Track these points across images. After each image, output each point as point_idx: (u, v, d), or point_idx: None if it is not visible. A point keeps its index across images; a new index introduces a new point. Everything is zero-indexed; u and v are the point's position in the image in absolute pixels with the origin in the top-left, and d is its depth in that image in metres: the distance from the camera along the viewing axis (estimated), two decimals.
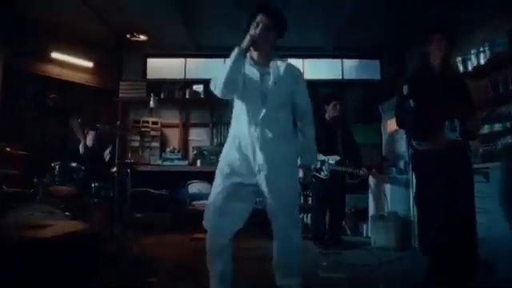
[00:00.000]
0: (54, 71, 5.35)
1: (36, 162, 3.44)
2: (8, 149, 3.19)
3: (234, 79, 1.89)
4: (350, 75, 6.35)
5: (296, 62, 6.07)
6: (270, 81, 1.96)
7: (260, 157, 1.89)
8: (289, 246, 1.96)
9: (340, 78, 6.32)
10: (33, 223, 1.57)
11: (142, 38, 5.66)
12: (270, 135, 1.91)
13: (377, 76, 6.36)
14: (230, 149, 1.99)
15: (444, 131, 2.32)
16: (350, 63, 6.40)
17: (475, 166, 3.10)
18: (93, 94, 5.76)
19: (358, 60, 6.42)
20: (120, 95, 5.82)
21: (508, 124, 3.29)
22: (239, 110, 2.01)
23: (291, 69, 2.08)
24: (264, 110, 1.93)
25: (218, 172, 1.99)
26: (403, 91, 2.49)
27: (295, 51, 6.17)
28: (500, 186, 2.86)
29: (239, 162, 1.92)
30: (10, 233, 1.43)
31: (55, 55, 5.29)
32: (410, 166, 3.67)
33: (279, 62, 2.04)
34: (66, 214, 2.75)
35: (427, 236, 2.58)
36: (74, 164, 3.22)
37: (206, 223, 1.95)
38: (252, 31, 1.93)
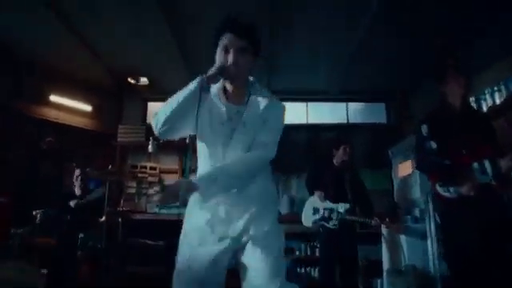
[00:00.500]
0: (51, 114, 5.21)
1: (16, 210, 3.14)
2: None
3: (180, 116, 1.50)
4: (355, 119, 6.20)
5: (299, 106, 6.12)
6: (240, 123, 1.54)
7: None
8: None
9: (345, 121, 6.17)
10: None
11: (143, 81, 5.59)
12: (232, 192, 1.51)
13: (382, 119, 6.21)
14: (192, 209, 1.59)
15: (474, 174, 2.05)
16: (354, 106, 6.28)
17: None
18: (91, 137, 5.59)
19: (362, 103, 6.31)
20: (118, 139, 5.62)
21: None
22: (201, 158, 1.64)
23: (264, 102, 1.56)
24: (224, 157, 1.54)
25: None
26: (422, 132, 2.25)
27: (298, 95, 6.10)
28: None
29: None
30: None
31: (53, 98, 5.18)
32: (428, 213, 3.36)
33: (259, 98, 1.57)
34: (43, 271, 2.40)
35: None
36: (57, 212, 2.92)
37: None
38: (220, 58, 1.50)
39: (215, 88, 1.57)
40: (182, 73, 5.29)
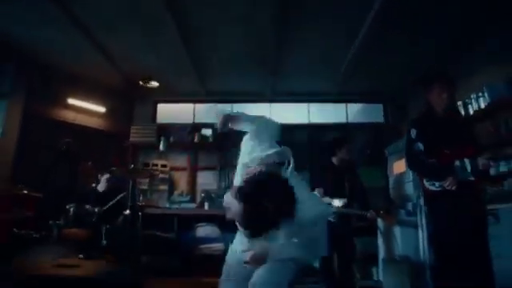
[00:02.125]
0: (69, 116, 5.56)
1: (50, 205, 3.49)
2: (25, 191, 3.25)
3: None
4: (354, 119, 6.54)
5: (301, 107, 6.47)
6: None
7: None
8: None
9: (345, 121, 6.50)
10: (61, 263, 1.60)
11: (154, 84, 5.92)
12: None
13: (380, 119, 6.55)
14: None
15: (455, 171, 2.39)
16: (354, 107, 6.61)
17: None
18: (105, 137, 5.91)
19: (361, 104, 6.63)
20: (131, 139, 5.97)
21: None
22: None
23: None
24: None
25: None
26: (411, 135, 2.60)
27: (301, 96, 6.43)
28: None
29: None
30: (39, 271, 1.46)
31: (71, 101, 5.51)
32: (419, 207, 3.69)
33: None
34: (80, 256, 2.75)
35: (441, 279, 2.56)
36: (88, 206, 3.27)
37: None
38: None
39: None
40: (189, 77, 5.64)
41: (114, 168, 4.04)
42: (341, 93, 6.29)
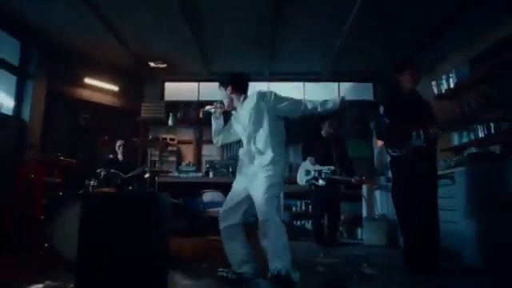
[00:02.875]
0: (86, 94, 6.14)
1: (84, 169, 4.15)
2: (61, 158, 3.90)
3: (218, 133, 2.89)
4: (345, 96, 7.06)
5: (298, 85, 7.02)
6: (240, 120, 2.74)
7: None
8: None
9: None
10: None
11: (162, 65, 6.46)
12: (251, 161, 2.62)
13: (370, 97, 7.10)
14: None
15: (412, 139, 2.99)
16: (345, 86, 7.16)
17: (445, 171, 3.79)
18: (118, 114, 6.51)
19: (352, 83, 7.17)
20: (142, 115, 6.57)
21: (473, 137, 3.97)
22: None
23: (250, 99, 2.72)
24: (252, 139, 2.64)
25: None
26: (380, 111, 3.19)
27: (297, 76, 6.98)
28: (464, 187, 3.52)
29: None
30: None
31: (87, 81, 6.09)
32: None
33: (246, 101, 2.76)
34: None
35: (403, 230, 3.21)
36: (114, 170, 3.92)
37: None
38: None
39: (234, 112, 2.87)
40: (194, 58, 6.17)
41: (135, 139, 4.66)
42: (333, 72, 6.82)
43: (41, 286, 2.49)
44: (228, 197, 2.76)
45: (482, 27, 4.04)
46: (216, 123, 2.88)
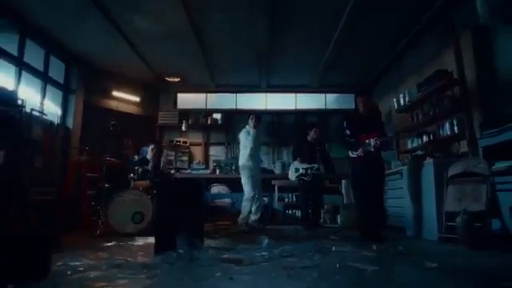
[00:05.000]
0: (113, 104, 7.37)
1: (121, 167, 5.40)
2: (108, 158, 5.14)
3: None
4: (331, 106, 8.33)
5: (290, 96, 8.26)
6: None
7: None
8: None
9: (324, 107, 8.31)
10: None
11: (176, 79, 7.69)
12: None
13: (352, 106, 8.22)
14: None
15: (365, 146, 4.22)
16: (331, 96, 8.39)
17: (398, 169, 5.03)
18: (139, 120, 7.74)
19: (337, 94, 8.40)
20: (159, 121, 7.82)
21: (419, 142, 5.22)
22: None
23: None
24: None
25: None
26: (343, 124, 4.42)
27: (290, 88, 8.21)
28: (407, 180, 4.76)
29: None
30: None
31: (115, 93, 7.32)
32: None
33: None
34: (148, 196, 4.67)
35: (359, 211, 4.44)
36: (147, 167, 5.17)
37: None
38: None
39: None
40: (203, 74, 7.38)
41: (164, 143, 5.92)
42: (321, 85, 8.05)
43: (108, 244, 3.74)
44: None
45: (427, 58, 5.29)
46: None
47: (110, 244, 3.72)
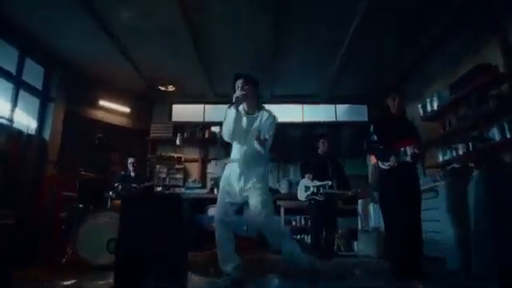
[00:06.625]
0: (100, 115, 6.60)
1: (102, 184, 4.55)
2: (83, 172, 4.30)
3: (231, 127, 2.88)
4: (342, 118, 7.55)
5: (296, 108, 7.48)
6: (256, 125, 2.94)
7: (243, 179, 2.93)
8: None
9: (334, 120, 7.53)
10: None
11: (171, 88, 6.95)
12: (249, 163, 2.92)
13: (365, 118, 7.55)
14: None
15: (399, 155, 3.39)
16: (342, 108, 7.63)
17: (430, 185, 4.18)
18: (128, 133, 6.95)
19: (348, 105, 7.64)
20: (151, 135, 7.01)
21: (454, 154, 4.38)
22: (234, 144, 3.08)
23: (266, 114, 3.01)
24: (245, 147, 2.94)
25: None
26: (370, 129, 3.61)
27: (296, 98, 7.45)
28: (446, 199, 3.90)
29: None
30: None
31: (102, 103, 6.56)
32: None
33: (265, 113, 3.02)
34: None
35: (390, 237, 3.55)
36: (133, 185, 4.32)
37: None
38: (237, 92, 2.96)
39: (241, 109, 3.03)
40: (201, 83, 6.66)
41: (151, 155, 5.08)
42: (330, 95, 7.29)
43: (69, 282, 2.84)
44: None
45: (461, 53, 4.54)
46: (231, 114, 2.88)
47: (68, 283, 2.82)
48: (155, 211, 2.43)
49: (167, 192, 4.32)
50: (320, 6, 4.47)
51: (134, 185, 4.30)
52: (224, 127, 2.96)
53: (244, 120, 3.02)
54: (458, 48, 4.59)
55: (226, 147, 7.19)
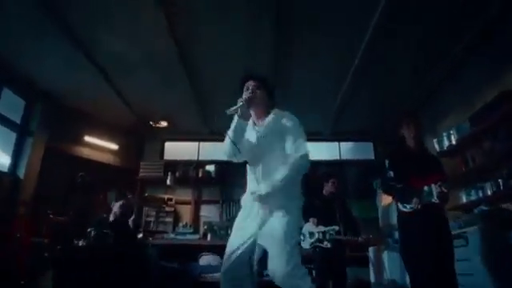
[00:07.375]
0: (85, 152, 6.09)
1: (73, 228, 3.93)
2: (51, 216, 3.71)
3: (236, 142, 2.15)
4: (346, 156, 7.05)
5: None
6: (260, 136, 2.19)
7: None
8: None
9: (338, 158, 7.01)
10: None
11: (163, 124, 6.51)
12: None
13: (371, 156, 7.04)
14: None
15: (422, 195, 2.84)
16: (346, 145, 7.14)
17: (457, 231, 3.57)
18: (116, 172, 6.39)
19: (353, 142, 7.17)
20: (140, 174, 6.45)
21: (481, 194, 3.81)
22: (248, 171, 2.26)
23: (279, 117, 2.23)
24: (260, 167, 2.15)
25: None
26: (385, 164, 3.09)
27: None
28: (479, 248, 3.28)
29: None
30: None
31: (87, 139, 6.08)
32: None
33: (271, 116, 2.25)
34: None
35: None
36: (106, 230, 3.70)
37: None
38: (244, 94, 2.22)
39: (250, 122, 2.30)
40: (195, 119, 6.22)
41: (129, 196, 4.49)
42: (334, 132, 6.84)
43: None
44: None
45: (481, 82, 4.12)
46: (235, 125, 2.17)
47: None
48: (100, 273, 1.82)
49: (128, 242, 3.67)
50: (324, 28, 4.13)
51: (106, 231, 3.65)
52: (226, 143, 2.22)
53: (253, 134, 2.26)
54: (476, 76, 4.19)
55: (223, 187, 6.74)
